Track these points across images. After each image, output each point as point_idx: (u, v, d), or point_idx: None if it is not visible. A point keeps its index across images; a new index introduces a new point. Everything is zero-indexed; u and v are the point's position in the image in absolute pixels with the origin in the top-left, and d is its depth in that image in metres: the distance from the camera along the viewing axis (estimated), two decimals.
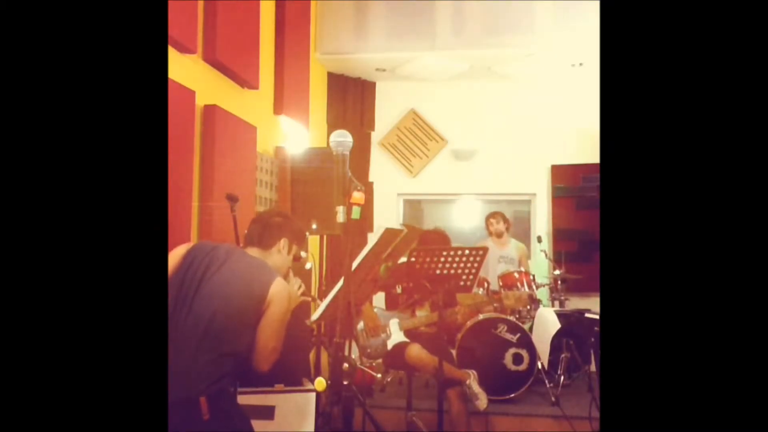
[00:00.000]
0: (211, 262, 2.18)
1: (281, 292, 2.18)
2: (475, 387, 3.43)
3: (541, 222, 6.63)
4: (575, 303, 5.59)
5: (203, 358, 2.06)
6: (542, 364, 4.45)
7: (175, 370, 1.98)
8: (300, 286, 2.46)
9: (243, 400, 2.26)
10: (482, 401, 3.42)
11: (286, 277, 2.36)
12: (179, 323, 2.08)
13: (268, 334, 2.17)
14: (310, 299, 3.05)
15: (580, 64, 5.92)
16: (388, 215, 6.54)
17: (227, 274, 2.16)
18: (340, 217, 2.00)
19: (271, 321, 2.17)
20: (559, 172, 6.50)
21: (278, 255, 2.35)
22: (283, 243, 2.35)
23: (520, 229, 6.64)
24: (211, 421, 2.02)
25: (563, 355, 4.76)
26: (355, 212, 2.01)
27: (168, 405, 1.71)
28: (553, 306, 5.33)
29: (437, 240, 3.73)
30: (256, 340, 2.16)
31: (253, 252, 2.32)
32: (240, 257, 2.24)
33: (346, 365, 2.04)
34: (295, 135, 5.21)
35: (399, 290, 3.55)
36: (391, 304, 3.76)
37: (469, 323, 4.46)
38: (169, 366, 1.94)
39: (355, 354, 3.56)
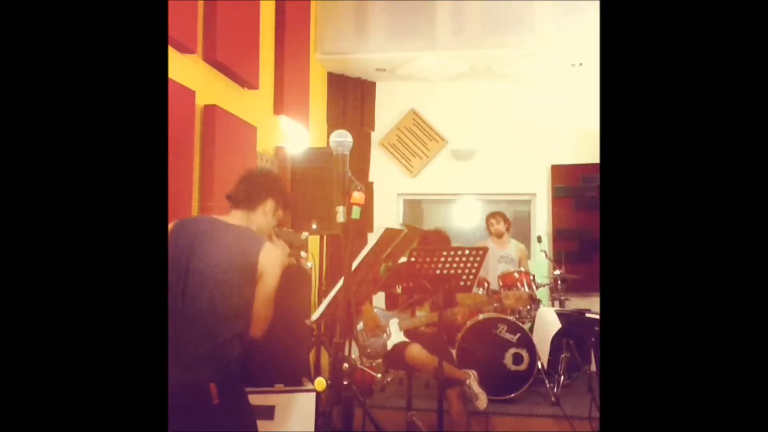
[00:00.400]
0: (195, 237, 2.17)
1: (272, 259, 2.18)
2: (475, 387, 3.42)
3: (541, 222, 6.63)
4: (575, 303, 5.59)
5: (209, 343, 2.07)
6: (542, 364, 4.45)
7: (181, 354, 2.00)
8: (284, 247, 2.44)
9: None
10: (482, 401, 3.42)
11: (270, 239, 2.34)
12: (176, 303, 2.09)
13: (262, 302, 2.18)
14: (295, 260, 3.05)
15: (580, 64, 5.92)
16: (388, 215, 6.54)
17: (215, 251, 2.15)
18: (340, 217, 2.00)
19: (264, 290, 2.18)
20: (559, 172, 6.50)
21: (263, 217, 2.31)
22: (269, 205, 2.32)
23: (520, 229, 6.64)
24: (219, 407, 2.03)
25: (563, 355, 4.75)
26: (355, 212, 2.01)
27: (179, 388, 1.73)
28: (553, 306, 5.33)
29: (437, 240, 3.73)
30: (252, 309, 2.17)
31: (237, 215, 2.29)
32: (224, 231, 2.21)
33: (346, 365, 2.04)
34: (295, 135, 5.21)
35: (399, 290, 3.55)
36: (391, 304, 3.76)
37: (469, 323, 4.46)
38: (176, 349, 1.96)
39: (355, 354, 3.56)
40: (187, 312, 2.09)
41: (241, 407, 2.15)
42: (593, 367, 4.89)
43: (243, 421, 2.14)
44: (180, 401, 1.96)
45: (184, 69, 3.59)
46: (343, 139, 2.02)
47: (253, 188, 2.31)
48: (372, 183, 6.62)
